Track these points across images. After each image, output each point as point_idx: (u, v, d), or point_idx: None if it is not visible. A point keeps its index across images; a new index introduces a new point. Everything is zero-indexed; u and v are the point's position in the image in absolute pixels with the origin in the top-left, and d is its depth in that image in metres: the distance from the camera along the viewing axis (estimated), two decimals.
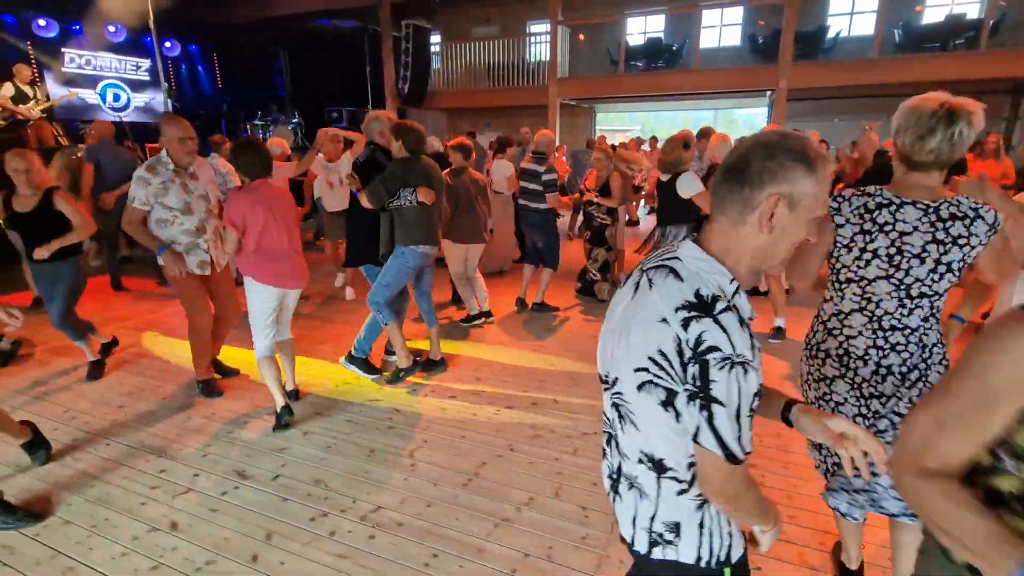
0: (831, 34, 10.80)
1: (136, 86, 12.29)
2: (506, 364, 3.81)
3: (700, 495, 1.00)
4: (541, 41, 11.99)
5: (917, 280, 1.49)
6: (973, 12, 10.38)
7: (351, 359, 3.59)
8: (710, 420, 0.88)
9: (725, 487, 0.93)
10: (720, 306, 0.88)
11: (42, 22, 10.34)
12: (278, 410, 2.96)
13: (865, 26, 11.32)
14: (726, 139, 4.66)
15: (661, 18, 13.13)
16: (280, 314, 3.04)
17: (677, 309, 0.89)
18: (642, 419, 0.98)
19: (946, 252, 1.45)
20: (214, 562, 2.03)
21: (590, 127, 14.54)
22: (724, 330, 0.86)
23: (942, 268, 1.47)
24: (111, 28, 11.29)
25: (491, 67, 12.36)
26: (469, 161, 4.44)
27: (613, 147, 5.71)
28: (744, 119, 15.27)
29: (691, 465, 0.98)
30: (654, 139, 10.77)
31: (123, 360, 3.91)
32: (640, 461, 1.02)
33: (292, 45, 14.38)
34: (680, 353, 0.88)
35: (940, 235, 1.45)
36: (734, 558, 1.05)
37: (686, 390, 0.89)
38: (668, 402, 0.92)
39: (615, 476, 1.11)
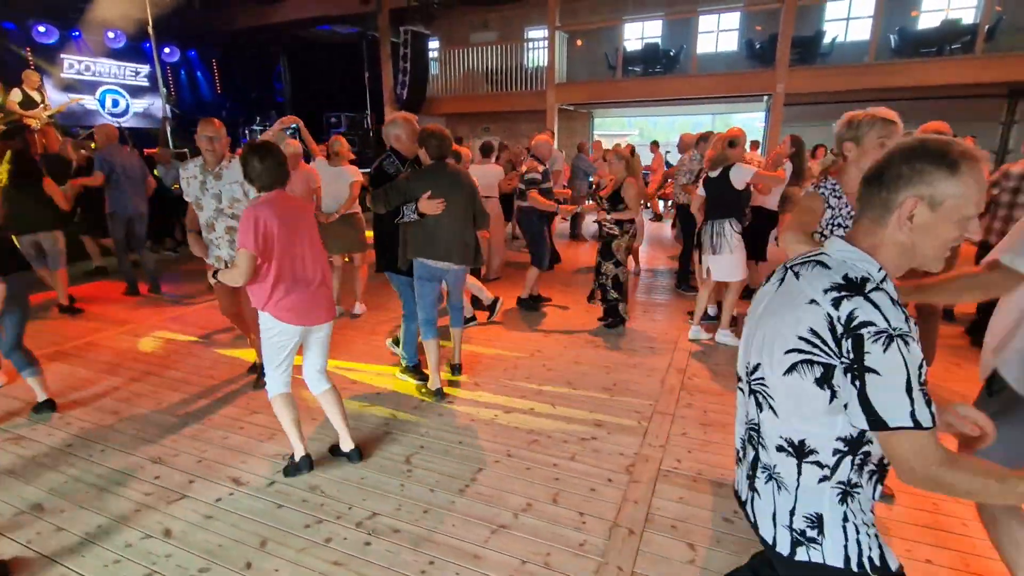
0: (828, 39, 10.86)
1: (135, 92, 12.32)
2: (504, 369, 3.79)
3: (841, 483, 1.00)
4: (539, 47, 12.02)
5: None
6: (969, 17, 10.44)
7: (405, 371, 3.63)
8: (863, 391, 0.90)
9: (919, 466, 0.89)
10: (870, 286, 0.93)
11: (42, 28, 10.38)
12: (296, 458, 2.55)
13: (861, 31, 11.37)
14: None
15: (659, 23, 13.20)
16: (307, 352, 2.55)
17: (826, 291, 0.95)
18: (786, 403, 1.00)
19: None
20: (208, 569, 2.01)
21: (588, 132, 14.58)
22: (876, 306, 0.90)
23: None
24: (110, 34, 11.34)
25: (490, 72, 12.41)
26: (461, 166, 4.47)
27: (632, 150, 5.54)
28: (742, 123, 15.33)
29: (836, 452, 0.98)
30: (655, 144, 10.78)
31: (117, 365, 3.89)
32: (780, 448, 1.04)
33: (291, 50, 14.44)
34: (832, 330, 0.92)
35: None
36: (891, 565, 1.01)
37: (842, 363, 0.92)
38: (824, 379, 0.95)
39: (751, 473, 1.12)
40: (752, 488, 1.12)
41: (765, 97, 10.76)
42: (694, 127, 15.67)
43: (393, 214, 3.17)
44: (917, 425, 0.88)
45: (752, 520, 1.13)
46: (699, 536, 2.15)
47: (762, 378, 1.04)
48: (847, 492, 1.00)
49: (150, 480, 2.55)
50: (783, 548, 1.04)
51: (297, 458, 2.57)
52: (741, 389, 1.15)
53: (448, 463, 2.67)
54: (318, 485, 2.50)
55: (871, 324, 0.89)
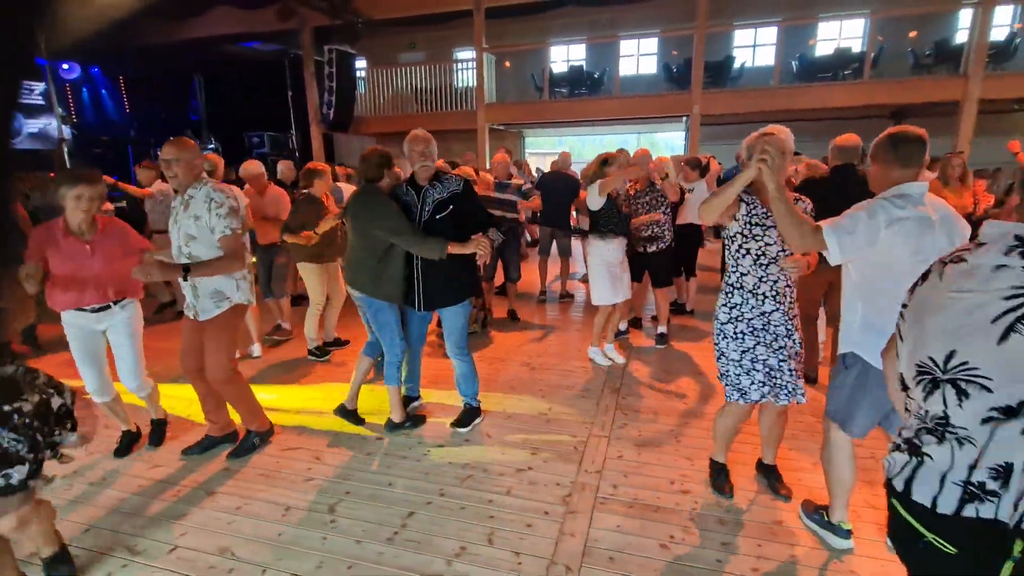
0: (737, 64, 11.62)
1: (29, 111, 11.24)
2: (435, 401, 3.66)
3: None
4: (468, 68, 12.10)
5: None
6: (857, 46, 11.53)
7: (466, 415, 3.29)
8: None
9: None
10: None
11: None
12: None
13: (767, 57, 12.29)
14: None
15: (582, 47, 13.66)
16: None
17: (1007, 252, 0.96)
18: (1004, 372, 0.96)
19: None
20: None
21: (519, 150, 14.77)
22: None
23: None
24: None
25: (419, 92, 12.32)
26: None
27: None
28: (664, 142, 16.08)
29: None
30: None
31: None
32: (984, 420, 0.98)
33: (208, 68, 13.71)
34: None
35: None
36: None
37: None
38: None
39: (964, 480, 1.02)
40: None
41: (684, 117, 11.33)
42: (621, 145, 16.28)
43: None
44: None
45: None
46: (635, 566, 2.12)
47: (966, 362, 1.00)
48: None
49: (24, 558, 2.21)
50: None
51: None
52: (933, 389, 1.06)
53: (376, 509, 2.50)
54: (229, 547, 2.26)
55: None
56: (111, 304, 2.76)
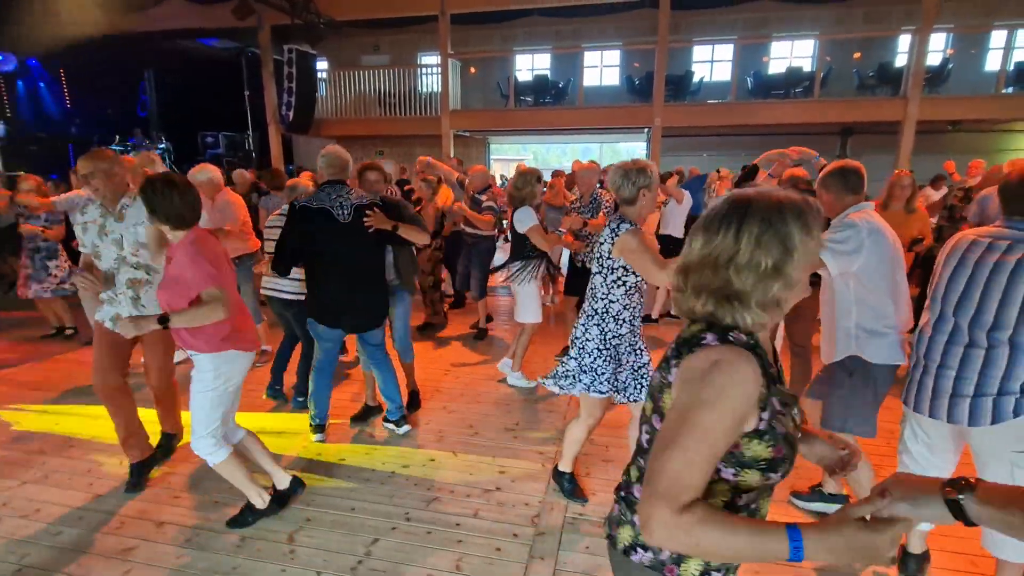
0: (696, 79, 11.97)
1: None
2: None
3: None
4: (433, 72, 11.99)
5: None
6: (807, 65, 12.07)
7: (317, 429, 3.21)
8: None
9: None
10: None
11: None
12: (263, 502, 2.45)
13: (724, 73, 12.72)
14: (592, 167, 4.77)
15: (547, 56, 13.78)
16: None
17: None
18: None
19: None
20: None
21: (485, 157, 14.75)
22: None
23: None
24: None
25: (383, 95, 12.12)
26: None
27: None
28: (627, 152, 16.40)
29: None
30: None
31: None
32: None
33: (159, 62, 13.05)
34: None
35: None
36: None
37: None
38: None
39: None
40: None
41: (646, 129, 11.57)
42: (585, 154, 16.51)
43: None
44: None
45: None
46: None
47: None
48: None
49: None
50: None
51: (265, 502, 2.46)
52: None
53: (338, 537, 2.41)
54: None
55: None
56: None
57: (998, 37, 11.63)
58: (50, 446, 3.18)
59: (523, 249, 3.93)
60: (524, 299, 4.01)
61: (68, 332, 5.23)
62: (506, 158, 16.96)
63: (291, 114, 11.17)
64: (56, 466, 2.97)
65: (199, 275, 2.11)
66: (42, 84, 12.37)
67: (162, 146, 11.68)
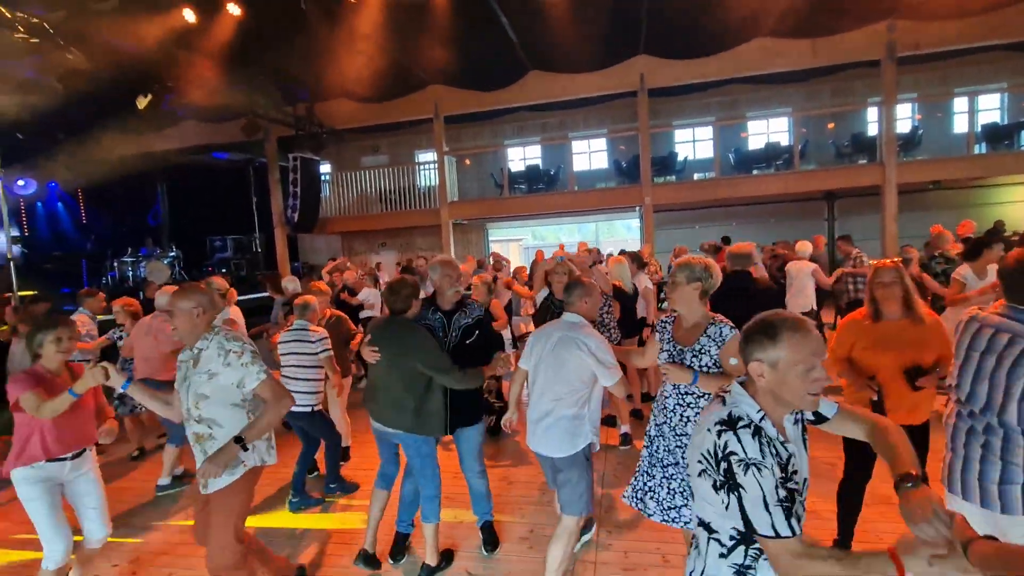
0: (680, 158, 12.59)
1: None
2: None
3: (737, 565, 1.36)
4: (430, 168, 12.64)
5: None
6: (785, 139, 12.71)
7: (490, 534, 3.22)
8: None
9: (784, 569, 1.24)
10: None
11: None
12: None
13: (707, 150, 13.38)
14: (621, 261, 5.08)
15: (537, 147, 14.59)
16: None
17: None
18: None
19: None
20: None
21: (483, 241, 15.19)
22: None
23: None
24: None
25: (383, 192, 12.72)
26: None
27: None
28: (622, 228, 16.93)
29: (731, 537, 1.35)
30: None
31: None
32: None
33: (171, 175, 13.83)
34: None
35: None
36: None
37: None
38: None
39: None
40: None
41: (637, 207, 12.01)
42: (582, 232, 17.01)
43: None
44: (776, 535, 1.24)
45: None
46: None
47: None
48: (746, 568, 1.36)
49: None
50: None
51: None
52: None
53: None
54: None
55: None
56: (86, 448, 2.71)
57: (960, 103, 12.33)
58: None
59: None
60: None
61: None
62: (505, 239, 17.47)
63: (296, 216, 11.68)
64: None
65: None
66: (59, 205, 13.05)
67: (172, 254, 12.11)
